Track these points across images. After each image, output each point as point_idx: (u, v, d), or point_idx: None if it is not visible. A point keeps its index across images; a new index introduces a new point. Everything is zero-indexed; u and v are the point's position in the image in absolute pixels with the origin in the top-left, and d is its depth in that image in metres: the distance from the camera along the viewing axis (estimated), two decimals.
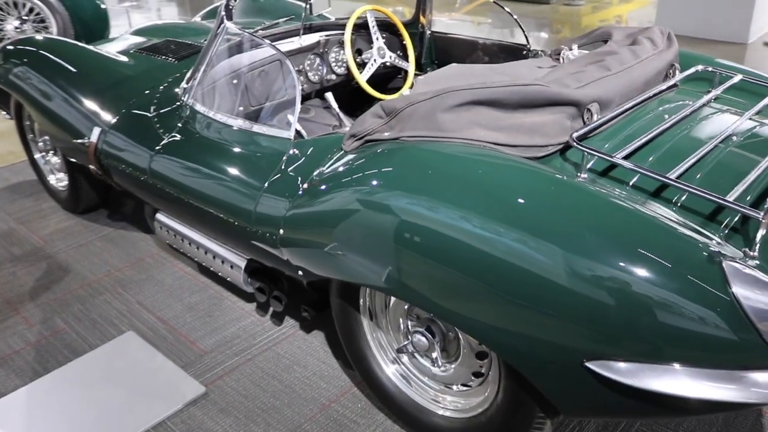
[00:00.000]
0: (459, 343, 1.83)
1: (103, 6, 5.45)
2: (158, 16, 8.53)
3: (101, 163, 2.69)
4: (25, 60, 3.04)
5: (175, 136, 2.41)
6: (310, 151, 2.00)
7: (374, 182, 1.67)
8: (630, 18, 8.24)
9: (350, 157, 1.84)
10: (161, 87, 2.74)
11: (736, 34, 6.04)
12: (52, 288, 2.80)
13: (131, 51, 3.17)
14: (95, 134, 2.67)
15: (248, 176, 2.08)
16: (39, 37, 3.24)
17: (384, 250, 1.61)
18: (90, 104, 2.78)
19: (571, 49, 2.39)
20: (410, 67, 3.13)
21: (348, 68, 3.06)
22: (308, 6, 2.67)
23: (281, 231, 1.94)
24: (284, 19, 3.06)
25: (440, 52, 3.29)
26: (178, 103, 2.55)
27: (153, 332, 2.49)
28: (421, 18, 3.24)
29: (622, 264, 1.31)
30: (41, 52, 3.05)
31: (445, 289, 1.53)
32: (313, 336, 2.43)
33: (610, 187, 1.58)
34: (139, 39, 3.54)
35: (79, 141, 2.73)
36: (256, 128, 2.16)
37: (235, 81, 2.37)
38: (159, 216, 2.65)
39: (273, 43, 2.41)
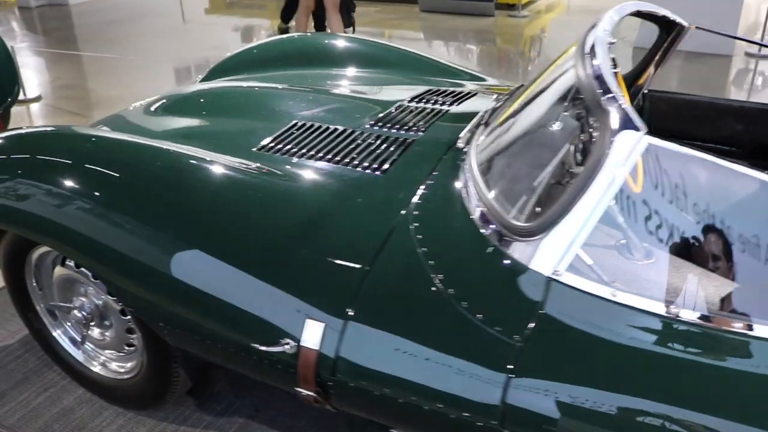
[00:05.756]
0: None
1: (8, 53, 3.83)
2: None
3: (324, 385, 1.51)
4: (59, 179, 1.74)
5: (544, 349, 1.31)
6: None
7: None
8: (552, 24, 7.90)
9: None
10: (415, 231, 1.57)
11: (722, 45, 5.85)
12: None
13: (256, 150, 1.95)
14: (314, 334, 1.46)
15: None
16: (81, 129, 1.94)
17: None
18: (273, 271, 1.56)
19: None
20: None
21: None
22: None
23: None
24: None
25: (655, 116, 2.44)
26: (504, 267, 1.43)
27: None
28: (641, 79, 2.36)
29: None
30: (93, 166, 1.78)
31: None
32: None
33: None
34: (207, 122, 2.32)
35: (268, 348, 1.50)
36: None
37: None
38: None
39: None
